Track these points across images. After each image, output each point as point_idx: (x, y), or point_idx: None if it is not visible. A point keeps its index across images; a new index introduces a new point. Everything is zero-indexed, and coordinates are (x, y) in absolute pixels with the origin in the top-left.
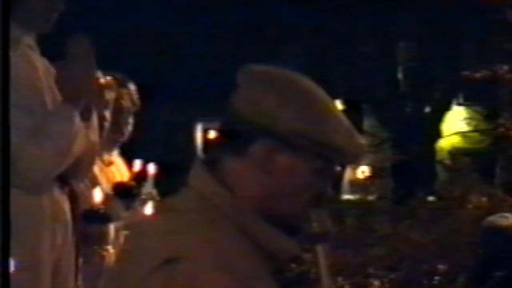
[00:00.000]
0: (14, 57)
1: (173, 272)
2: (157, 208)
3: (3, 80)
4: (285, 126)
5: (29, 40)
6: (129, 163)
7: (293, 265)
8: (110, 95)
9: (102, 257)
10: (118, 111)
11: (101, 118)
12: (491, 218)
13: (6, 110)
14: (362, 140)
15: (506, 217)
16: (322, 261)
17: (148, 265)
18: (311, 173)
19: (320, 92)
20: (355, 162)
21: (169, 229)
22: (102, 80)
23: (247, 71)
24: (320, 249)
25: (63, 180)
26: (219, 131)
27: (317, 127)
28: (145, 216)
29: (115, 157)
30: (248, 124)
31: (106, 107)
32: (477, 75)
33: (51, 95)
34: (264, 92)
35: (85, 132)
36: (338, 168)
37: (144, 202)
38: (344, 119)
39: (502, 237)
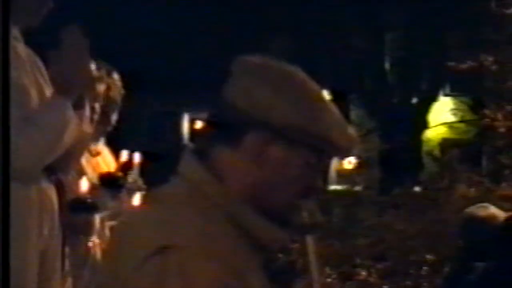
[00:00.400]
0: None
1: (164, 262)
2: (147, 198)
3: (3, 78)
4: (279, 119)
5: (14, 30)
6: (116, 153)
7: (280, 255)
8: (100, 87)
9: (88, 247)
10: (105, 101)
11: (92, 111)
12: (470, 209)
13: (6, 106)
14: (355, 134)
15: (485, 207)
16: (312, 251)
17: (140, 255)
18: (303, 166)
19: (314, 85)
20: (347, 155)
21: (160, 218)
22: (94, 73)
23: (241, 62)
24: (309, 240)
25: (51, 170)
26: (211, 121)
27: (311, 120)
28: (135, 206)
29: (101, 146)
30: (241, 115)
31: (96, 99)
32: (463, 66)
33: (36, 87)
34: (258, 83)
35: (78, 123)
36: (329, 161)
37: (130, 191)
38: (337, 113)
39: (481, 227)
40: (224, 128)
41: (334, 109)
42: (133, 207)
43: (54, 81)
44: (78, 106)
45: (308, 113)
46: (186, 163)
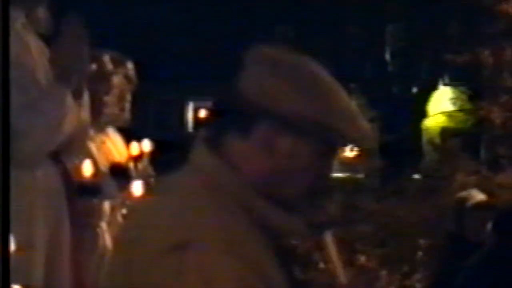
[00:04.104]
0: None
1: (183, 258)
2: (160, 188)
3: (3, 69)
4: (290, 109)
5: (22, 18)
6: (125, 143)
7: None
8: (117, 80)
9: (96, 233)
10: (116, 91)
11: (102, 104)
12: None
13: (6, 99)
14: (367, 125)
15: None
16: (332, 248)
17: (156, 249)
18: (313, 156)
19: (328, 76)
20: (359, 146)
21: (175, 211)
22: (109, 66)
23: (254, 52)
24: (328, 236)
25: (57, 157)
26: (218, 109)
27: (322, 112)
28: (148, 196)
29: (113, 134)
30: (252, 105)
31: (108, 93)
32: (460, 58)
33: (45, 74)
34: (270, 73)
35: (76, 111)
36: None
37: (139, 180)
38: (350, 104)
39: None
40: (234, 117)
41: (347, 99)
42: (143, 196)
43: (53, 69)
44: (76, 95)
45: (319, 104)
46: (198, 152)
